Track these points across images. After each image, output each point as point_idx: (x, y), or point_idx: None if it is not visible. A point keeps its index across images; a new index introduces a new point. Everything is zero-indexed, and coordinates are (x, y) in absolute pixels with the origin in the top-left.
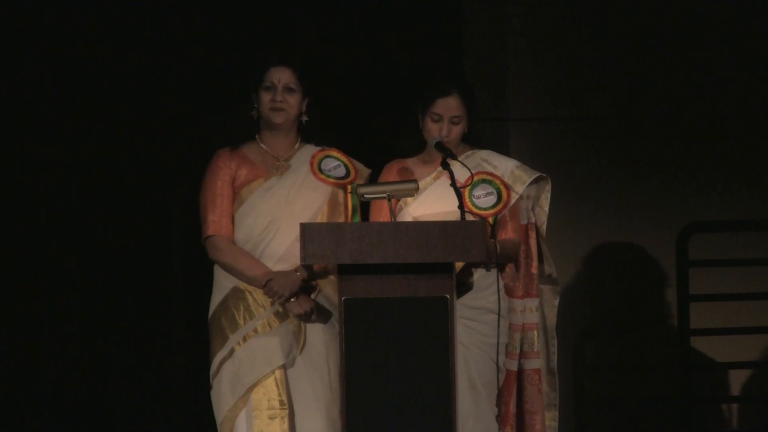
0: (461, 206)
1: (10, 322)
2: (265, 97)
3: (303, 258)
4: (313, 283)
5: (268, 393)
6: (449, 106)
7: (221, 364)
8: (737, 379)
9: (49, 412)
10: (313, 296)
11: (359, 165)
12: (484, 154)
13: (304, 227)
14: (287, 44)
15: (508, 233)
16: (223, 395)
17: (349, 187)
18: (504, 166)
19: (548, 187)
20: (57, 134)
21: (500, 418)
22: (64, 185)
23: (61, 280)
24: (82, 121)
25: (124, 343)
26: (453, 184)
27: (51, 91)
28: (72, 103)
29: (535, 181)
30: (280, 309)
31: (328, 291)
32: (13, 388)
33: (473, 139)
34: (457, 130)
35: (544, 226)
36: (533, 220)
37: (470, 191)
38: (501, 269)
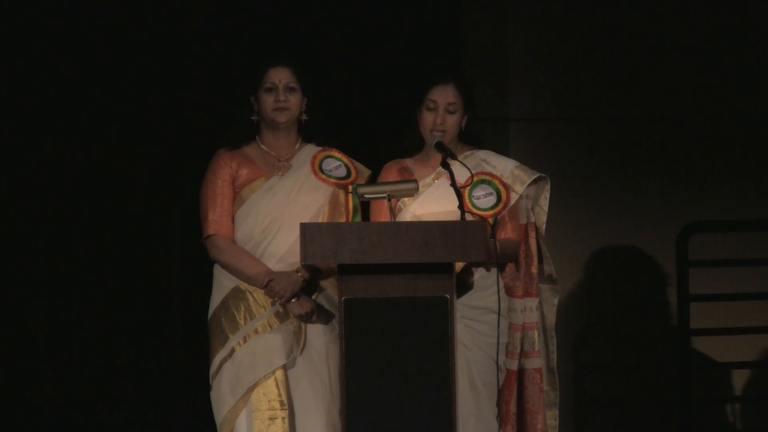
0: (461, 206)
1: (10, 322)
2: (267, 99)
3: (303, 258)
4: (318, 282)
5: (268, 393)
6: (445, 93)
7: (221, 364)
8: (737, 379)
9: (49, 412)
10: (313, 297)
11: (360, 165)
12: (483, 154)
13: (304, 227)
14: (286, 44)
15: (507, 233)
16: (222, 396)
17: (350, 187)
18: (503, 166)
19: (547, 187)
20: (57, 134)
21: (501, 418)
22: (64, 185)
23: (61, 280)
24: (83, 121)
25: (125, 343)
26: (453, 184)
27: (51, 90)
28: (72, 103)
29: (535, 181)
30: (281, 309)
31: (331, 292)
32: (13, 388)
33: (472, 139)
34: (452, 121)
35: (544, 226)
36: (533, 220)
37: (470, 191)
38: (501, 269)
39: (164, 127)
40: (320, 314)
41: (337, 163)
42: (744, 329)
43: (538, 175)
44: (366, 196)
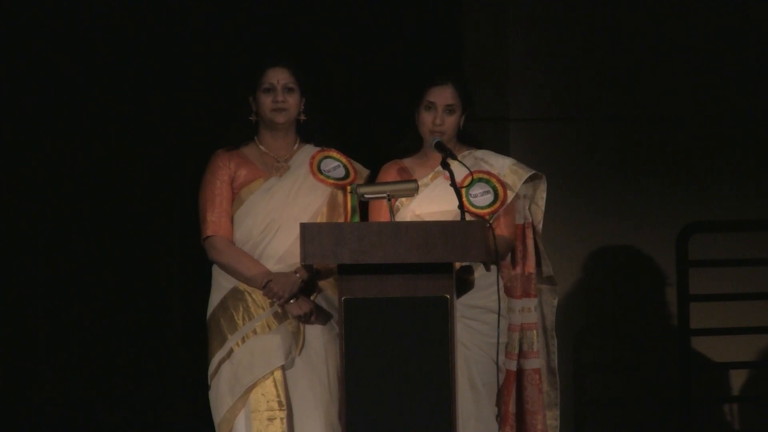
0: (461, 206)
1: (10, 322)
2: (266, 99)
3: (303, 258)
4: (317, 283)
5: (266, 394)
6: (444, 94)
7: (220, 364)
8: (737, 379)
9: (49, 412)
10: (312, 297)
11: (358, 166)
12: (480, 153)
13: (303, 227)
14: (286, 44)
15: (501, 229)
16: (221, 396)
17: (348, 187)
18: (500, 164)
19: (543, 186)
20: (57, 134)
21: (500, 418)
22: (64, 185)
23: (61, 280)
24: (83, 121)
25: (125, 343)
26: (453, 183)
27: (51, 90)
28: (72, 103)
29: (531, 179)
30: (279, 310)
31: (329, 292)
32: (13, 388)
33: (470, 139)
34: (451, 121)
35: (541, 225)
36: (530, 220)
37: (467, 190)
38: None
39: (164, 127)
40: (319, 315)
41: (335, 163)
42: (744, 329)
43: (535, 172)
44: (366, 196)
